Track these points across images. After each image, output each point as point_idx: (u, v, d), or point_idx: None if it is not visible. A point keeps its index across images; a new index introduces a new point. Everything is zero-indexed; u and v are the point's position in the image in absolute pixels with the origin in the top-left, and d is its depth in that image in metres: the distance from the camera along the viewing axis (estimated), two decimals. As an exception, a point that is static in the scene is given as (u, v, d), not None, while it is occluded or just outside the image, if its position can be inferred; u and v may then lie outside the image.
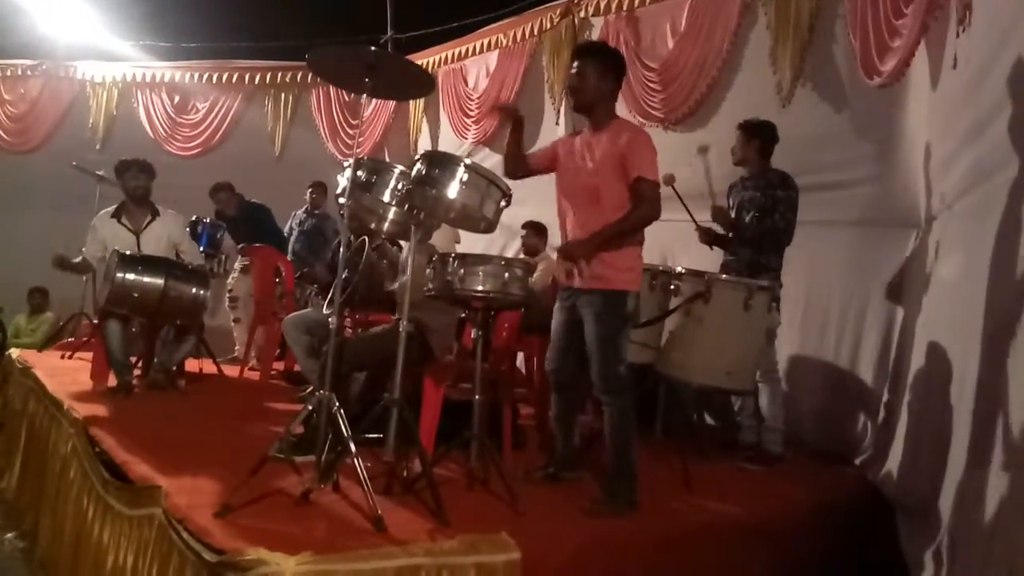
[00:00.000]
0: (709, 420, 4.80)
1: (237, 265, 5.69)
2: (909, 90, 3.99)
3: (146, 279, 4.16)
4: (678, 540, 2.83)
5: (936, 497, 2.81)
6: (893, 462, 3.58)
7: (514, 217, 5.16)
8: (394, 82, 2.83)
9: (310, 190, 6.43)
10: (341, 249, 2.72)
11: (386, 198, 2.83)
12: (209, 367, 5.19)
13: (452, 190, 2.67)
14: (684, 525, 2.92)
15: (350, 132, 8.22)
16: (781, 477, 3.63)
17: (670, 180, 3.95)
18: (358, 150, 3.03)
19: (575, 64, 3.00)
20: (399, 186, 2.82)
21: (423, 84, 3.15)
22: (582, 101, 3.00)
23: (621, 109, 4.16)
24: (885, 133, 4.17)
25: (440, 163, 2.71)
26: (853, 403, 4.25)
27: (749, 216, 3.95)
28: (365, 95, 2.72)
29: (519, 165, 3.20)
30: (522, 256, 5.50)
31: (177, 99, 9.04)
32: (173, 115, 9.02)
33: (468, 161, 2.71)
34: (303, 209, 6.45)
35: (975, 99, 2.95)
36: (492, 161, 6.66)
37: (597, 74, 2.94)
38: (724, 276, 3.64)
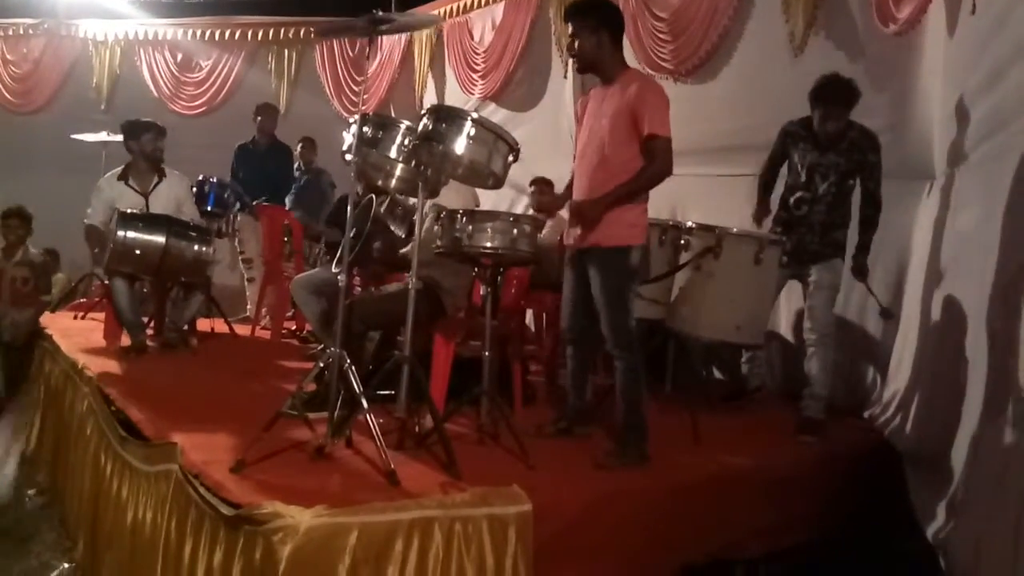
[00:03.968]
0: (718, 374, 4.81)
1: (243, 221, 5.66)
2: (925, 37, 3.90)
3: (147, 236, 4.15)
4: (688, 491, 2.86)
5: (949, 449, 2.82)
6: (904, 415, 3.58)
7: (523, 173, 5.12)
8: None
9: (299, 146, 6.39)
10: (348, 207, 2.70)
11: (393, 154, 2.80)
12: (220, 326, 5.22)
13: (459, 145, 2.63)
14: (693, 476, 2.95)
15: (355, 88, 8.11)
16: (790, 428, 3.64)
17: None
18: (363, 106, 2.98)
19: (568, 27, 2.97)
20: (406, 142, 2.79)
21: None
22: (582, 63, 3.00)
23: (630, 61, 4.07)
24: (900, 82, 4.08)
25: (447, 117, 2.67)
26: (863, 356, 4.25)
27: (826, 184, 3.59)
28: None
29: None
30: (531, 213, 5.48)
31: (180, 57, 8.96)
32: (177, 73, 8.94)
33: (475, 115, 2.68)
34: (294, 167, 6.42)
35: (993, 46, 2.89)
36: (499, 116, 6.58)
37: (589, 33, 2.90)
38: (735, 229, 3.58)
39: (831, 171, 3.59)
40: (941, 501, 2.77)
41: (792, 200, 3.71)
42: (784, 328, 4.57)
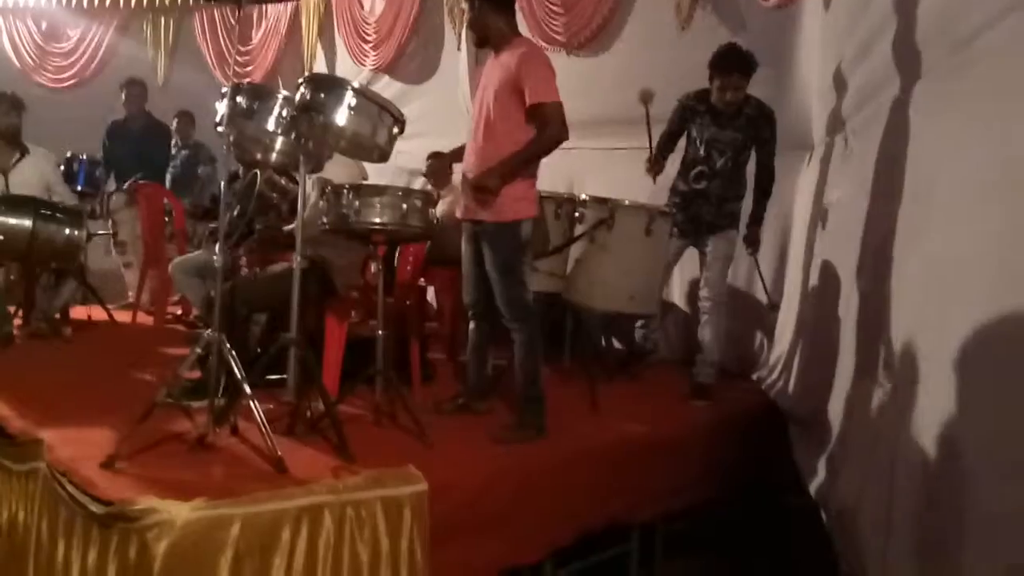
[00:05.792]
0: (617, 344, 4.90)
1: (117, 202, 5.32)
2: (804, 10, 4.03)
3: (11, 221, 3.85)
4: (585, 460, 2.89)
5: (826, 408, 2.96)
6: (788, 377, 3.74)
7: (419, 148, 5.03)
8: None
9: (176, 120, 6.07)
10: (222, 184, 2.55)
11: (270, 126, 2.66)
12: (99, 314, 4.90)
13: (340, 116, 2.52)
14: (591, 445, 2.99)
15: (239, 59, 7.73)
16: (684, 394, 3.74)
17: (647, 98, 3.67)
18: (248, 78, 2.83)
19: (466, 2, 2.92)
20: (284, 113, 2.64)
21: None
22: (479, 37, 2.99)
23: (524, 33, 3.99)
24: (781, 55, 4.21)
25: (326, 87, 2.55)
26: (750, 322, 4.41)
27: (724, 159, 3.66)
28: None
29: None
30: (429, 188, 5.38)
31: (45, 26, 8.32)
32: (42, 43, 8.31)
33: (356, 85, 2.57)
34: (171, 142, 6.10)
35: (863, 18, 3.00)
36: (393, 90, 6.42)
37: (486, 10, 2.89)
38: (627, 202, 3.62)
39: (728, 147, 3.68)
40: (821, 457, 2.91)
41: (692, 174, 3.77)
42: (678, 297, 4.69)
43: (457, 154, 3.20)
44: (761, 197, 3.76)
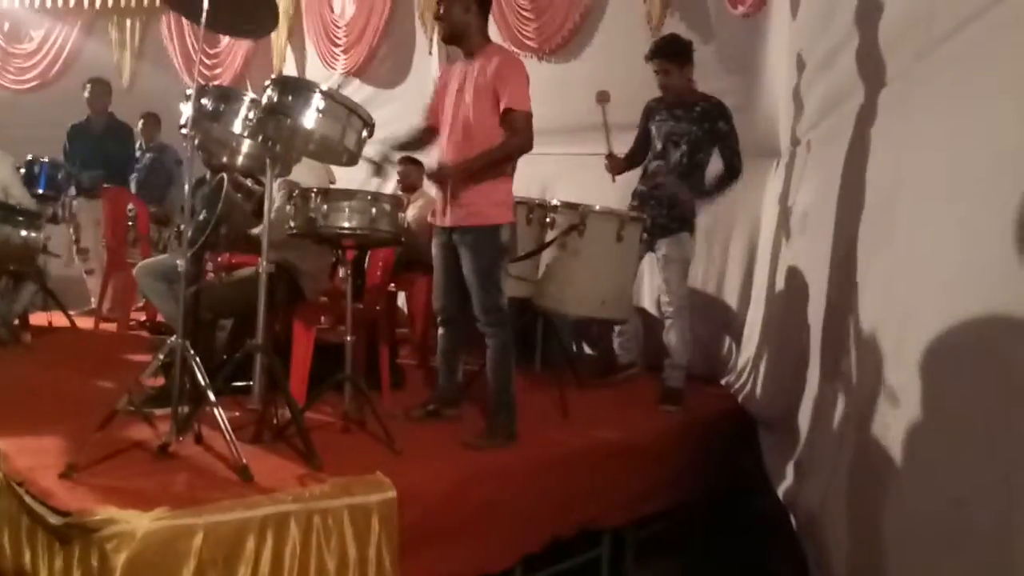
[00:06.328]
0: (588, 351, 4.90)
1: (79, 205, 5.21)
2: (771, 19, 4.09)
3: None
4: (555, 466, 2.88)
5: (795, 412, 2.98)
6: (756, 382, 3.77)
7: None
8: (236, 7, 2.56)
9: (141, 122, 5.98)
10: (187, 186, 2.49)
11: (237, 129, 2.61)
12: (60, 320, 4.79)
13: (308, 119, 2.48)
14: (561, 452, 2.97)
15: (207, 62, 7.64)
16: (654, 399, 3.75)
17: (603, 99, 3.75)
18: (217, 81, 2.77)
19: None
20: (251, 115, 2.60)
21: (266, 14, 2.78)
22: (448, 33, 2.97)
23: (495, 39, 4.00)
24: (749, 63, 4.26)
25: (293, 90, 2.51)
26: (719, 327, 4.44)
27: (679, 152, 3.74)
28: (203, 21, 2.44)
29: (426, 138, 3.16)
30: (400, 193, 5.35)
31: (7, 27, 8.14)
32: (3, 44, 8.13)
33: (324, 88, 2.53)
34: (136, 145, 6.00)
35: (828, 28, 3.03)
36: (364, 93, 6.38)
37: (461, 5, 2.87)
38: (597, 207, 3.63)
39: (683, 139, 3.73)
40: (789, 461, 2.92)
41: (650, 169, 3.84)
42: (648, 303, 4.70)
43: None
44: (719, 184, 3.78)
